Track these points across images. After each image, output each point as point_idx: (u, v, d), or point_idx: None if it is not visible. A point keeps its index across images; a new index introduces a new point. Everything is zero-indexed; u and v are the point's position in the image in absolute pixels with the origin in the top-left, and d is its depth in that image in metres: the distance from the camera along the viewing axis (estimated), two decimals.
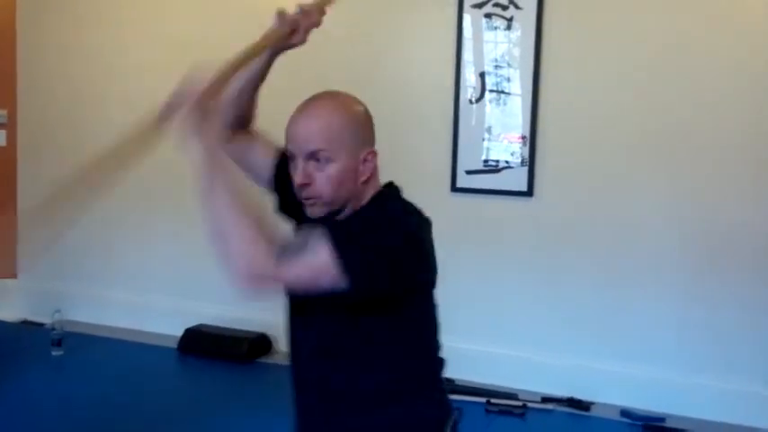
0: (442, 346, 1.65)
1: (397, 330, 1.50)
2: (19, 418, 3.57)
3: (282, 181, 1.57)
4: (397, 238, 1.41)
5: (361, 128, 1.49)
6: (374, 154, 1.50)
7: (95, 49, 5.10)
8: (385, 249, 1.38)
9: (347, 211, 1.49)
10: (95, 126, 5.13)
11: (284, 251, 1.34)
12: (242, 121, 1.66)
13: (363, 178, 1.47)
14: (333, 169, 1.42)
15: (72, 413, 3.65)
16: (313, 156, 1.43)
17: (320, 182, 1.43)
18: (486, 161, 4.18)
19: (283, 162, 1.57)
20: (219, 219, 1.33)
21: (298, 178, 1.44)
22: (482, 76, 4.16)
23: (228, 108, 1.55)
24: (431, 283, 1.53)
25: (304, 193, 1.44)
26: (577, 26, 4.01)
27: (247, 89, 1.60)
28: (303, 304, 1.52)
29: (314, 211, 1.47)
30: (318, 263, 1.32)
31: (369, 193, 1.51)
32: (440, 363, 1.63)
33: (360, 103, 1.53)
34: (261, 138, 1.68)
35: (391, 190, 1.56)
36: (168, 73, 5.23)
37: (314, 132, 1.43)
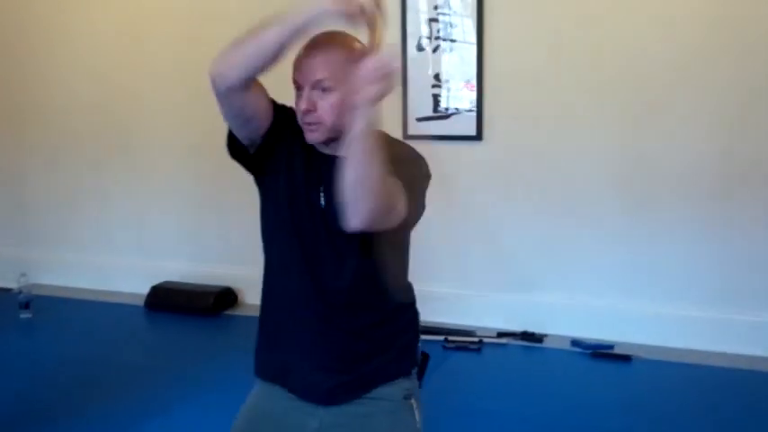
0: None
1: (406, 250, 1.76)
2: None
3: (274, 134, 1.65)
4: (427, 171, 1.67)
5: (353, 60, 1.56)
6: None
7: (51, 22, 5.09)
8: (424, 183, 1.65)
9: (341, 140, 1.56)
10: (57, 89, 5.15)
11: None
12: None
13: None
14: (334, 98, 1.55)
15: (44, 372, 3.76)
16: (317, 85, 1.55)
17: (322, 109, 1.55)
18: (435, 108, 4.28)
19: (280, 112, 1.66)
20: (372, 173, 1.41)
21: (303, 104, 1.55)
22: (428, 23, 4.23)
23: (267, 61, 1.50)
24: None
25: (307, 119, 1.56)
26: None
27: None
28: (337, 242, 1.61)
29: (313, 137, 1.58)
30: (416, 203, 1.56)
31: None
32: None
33: (360, 41, 1.61)
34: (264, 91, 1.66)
35: None
36: (134, 32, 5.20)
37: (319, 64, 1.55)
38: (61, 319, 4.58)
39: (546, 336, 4.09)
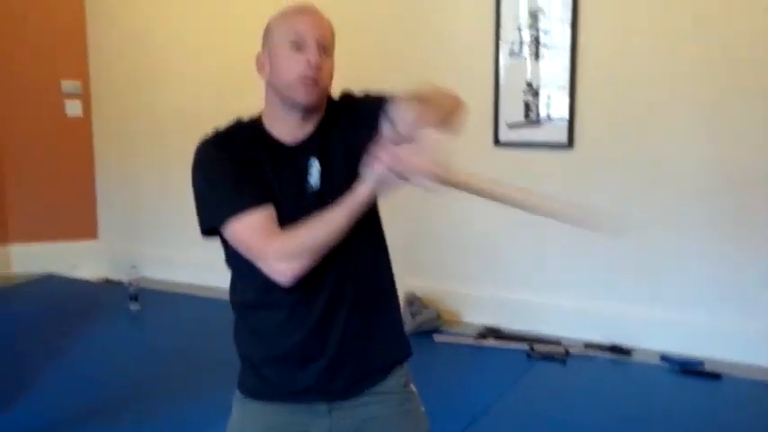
0: None
1: (381, 231, 1.72)
2: (102, 364, 3.97)
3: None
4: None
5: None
6: None
7: (162, 22, 5.38)
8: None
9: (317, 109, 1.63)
10: (163, 94, 5.45)
11: None
12: None
13: None
14: (331, 63, 1.61)
15: (148, 359, 4.02)
16: (325, 48, 1.59)
17: (325, 71, 1.59)
18: (527, 114, 4.25)
19: None
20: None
21: (314, 59, 1.55)
22: (521, 30, 4.21)
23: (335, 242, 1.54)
24: None
25: (313, 75, 1.56)
26: None
27: None
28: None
29: (312, 93, 1.56)
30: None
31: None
32: None
33: None
34: None
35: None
36: (227, 47, 5.48)
37: (326, 28, 1.61)
38: (166, 313, 4.87)
39: (635, 350, 4.01)
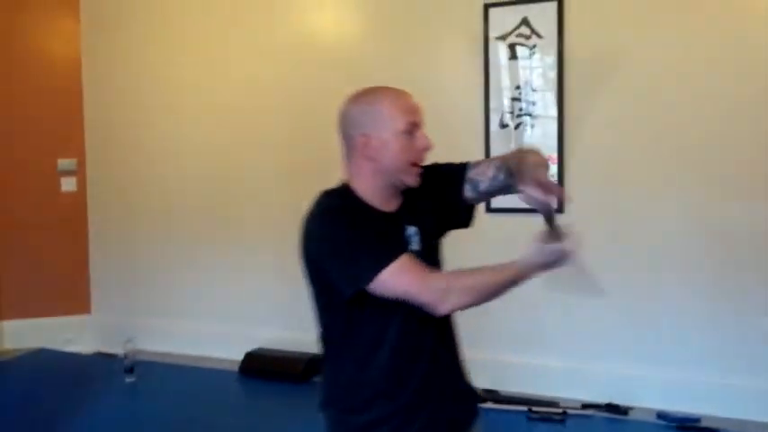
0: None
1: None
2: None
3: None
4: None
5: None
6: None
7: (161, 93, 5.52)
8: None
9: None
10: (157, 165, 5.57)
11: None
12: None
13: None
14: None
15: (146, 430, 3.99)
16: (420, 126, 1.77)
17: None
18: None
19: None
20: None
21: (428, 143, 1.74)
22: (511, 101, 4.42)
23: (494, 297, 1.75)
24: None
25: (424, 159, 1.74)
26: (597, 49, 4.24)
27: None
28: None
29: (418, 179, 1.77)
30: None
31: None
32: None
33: None
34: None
35: None
36: (235, 121, 5.64)
37: (418, 107, 1.79)
38: (162, 384, 4.85)
39: (631, 408, 4.07)
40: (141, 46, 5.56)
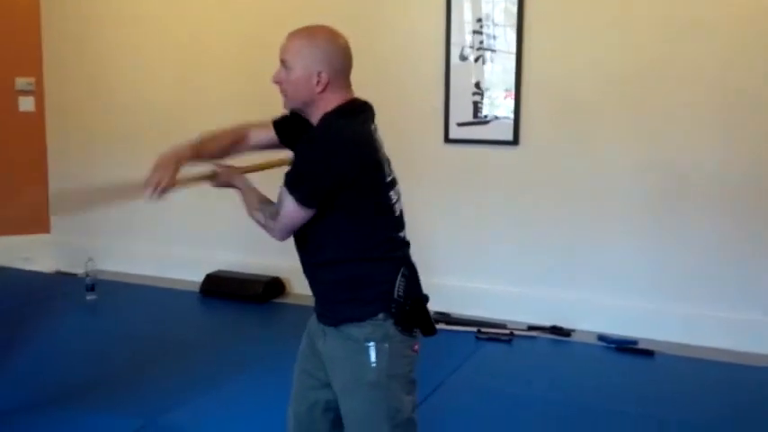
0: (399, 230, 2.11)
1: (348, 218, 1.97)
2: (61, 352, 4.04)
3: (287, 133, 2.15)
4: (329, 150, 1.91)
5: (318, 51, 1.96)
6: (322, 75, 1.95)
7: (116, 17, 5.47)
8: (317, 163, 1.91)
9: (314, 112, 1.99)
10: (116, 91, 5.55)
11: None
12: (230, 149, 2.27)
13: (318, 90, 1.96)
14: (291, 75, 1.97)
15: (105, 347, 4.11)
16: (282, 63, 1.99)
17: (285, 83, 1.99)
18: (475, 114, 4.54)
19: (280, 124, 2.18)
20: (252, 214, 2.06)
21: (273, 76, 2.01)
22: (471, 34, 4.51)
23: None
24: (370, 181, 1.96)
25: (279, 90, 2.02)
26: None
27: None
28: None
29: (285, 105, 2.05)
30: (286, 209, 1.94)
31: (332, 104, 1.98)
32: (390, 239, 2.06)
33: (333, 37, 2.01)
34: (253, 132, 2.25)
35: (346, 106, 2.00)
36: (194, 35, 5.60)
37: (284, 47, 2.00)
38: (123, 302, 4.96)
39: (574, 331, 4.32)
40: None
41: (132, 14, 5.40)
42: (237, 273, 5.10)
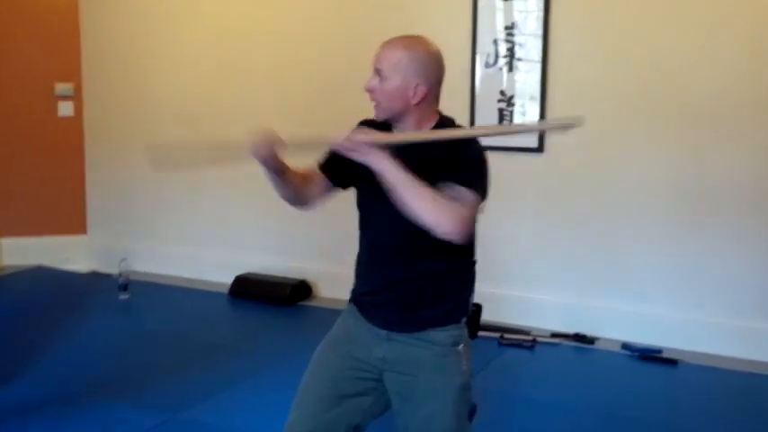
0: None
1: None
2: (93, 347, 4.16)
3: (339, 175, 2.09)
4: (484, 156, 1.99)
5: (417, 64, 1.96)
6: (419, 87, 1.96)
7: (157, 22, 5.60)
8: (484, 163, 1.98)
9: (408, 123, 1.98)
10: (155, 95, 5.69)
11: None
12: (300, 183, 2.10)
13: (414, 101, 1.96)
14: (386, 85, 1.95)
15: (136, 345, 4.23)
16: (377, 72, 1.97)
17: (379, 92, 1.96)
18: (500, 121, 4.57)
19: (329, 167, 2.09)
20: (420, 202, 1.83)
21: (366, 84, 1.99)
22: (496, 42, 4.54)
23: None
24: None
25: (370, 97, 1.99)
26: None
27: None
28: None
29: (377, 114, 2.00)
30: (473, 201, 1.89)
31: (431, 117, 2.00)
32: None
33: (429, 45, 2.02)
34: (309, 180, 2.10)
35: (448, 121, 2.05)
36: (227, 45, 5.73)
37: (381, 56, 1.98)
38: (154, 302, 5.08)
39: (598, 338, 4.31)
40: None
41: (171, 21, 5.53)
42: (266, 275, 5.18)
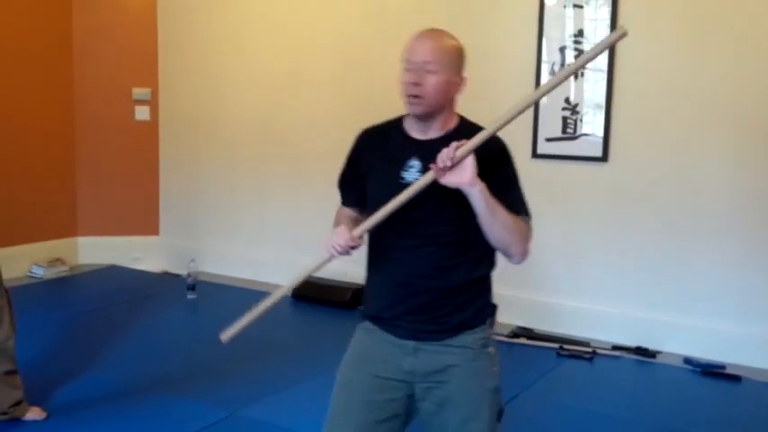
0: None
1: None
2: (160, 345, 4.33)
3: (361, 199, 2.14)
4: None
5: (461, 58, 2.00)
6: (463, 81, 1.99)
7: (229, 29, 5.78)
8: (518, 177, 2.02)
9: (441, 118, 1.97)
10: (225, 102, 5.86)
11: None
12: None
13: (453, 96, 1.97)
14: (435, 79, 1.91)
15: (202, 342, 4.35)
16: (424, 65, 1.91)
17: (426, 86, 1.90)
18: (564, 129, 4.55)
19: (352, 200, 2.19)
20: (506, 228, 1.89)
21: (411, 78, 1.90)
22: (562, 50, 4.52)
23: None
24: None
25: (412, 92, 1.90)
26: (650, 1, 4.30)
27: None
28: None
29: (414, 109, 1.94)
30: (531, 226, 1.98)
31: (454, 114, 2.01)
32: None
33: (457, 39, 2.03)
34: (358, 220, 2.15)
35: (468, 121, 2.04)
36: (296, 55, 5.87)
37: (427, 50, 1.92)
38: (219, 302, 5.22)
39: (660, 352, 4.24)
40: None
41: (244, 30, 5.70)
42: (327, 279, 5.27)
